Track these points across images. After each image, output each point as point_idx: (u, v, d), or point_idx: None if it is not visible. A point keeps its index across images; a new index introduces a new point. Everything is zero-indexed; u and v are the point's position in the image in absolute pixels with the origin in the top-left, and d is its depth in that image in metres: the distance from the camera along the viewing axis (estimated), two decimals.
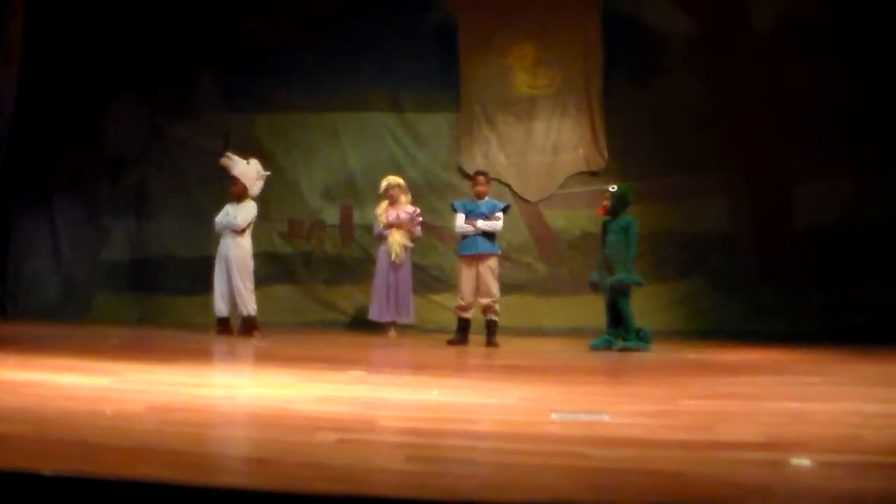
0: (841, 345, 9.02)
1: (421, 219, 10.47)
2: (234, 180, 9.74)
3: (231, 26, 12.31)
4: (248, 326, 9.58)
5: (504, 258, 10.25)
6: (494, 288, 9.17)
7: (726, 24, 11.52)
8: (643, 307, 9.69)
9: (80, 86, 12.27)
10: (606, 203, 8.96)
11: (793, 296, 10.92)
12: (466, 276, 9.21)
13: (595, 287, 8.95)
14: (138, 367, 5.61)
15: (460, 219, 9.30)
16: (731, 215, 11.46)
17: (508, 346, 8.90)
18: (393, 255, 10.20)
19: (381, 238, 10.38)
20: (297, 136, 12.15)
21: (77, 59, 12.18)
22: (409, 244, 10.36)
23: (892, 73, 10.91)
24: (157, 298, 12.16)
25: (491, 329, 9.13)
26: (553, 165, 11.75)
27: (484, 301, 9.16)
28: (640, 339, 8.63)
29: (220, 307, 9.67)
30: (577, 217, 11.49)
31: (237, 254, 9.62)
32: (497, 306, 9.18)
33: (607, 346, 8.58)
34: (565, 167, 11.74)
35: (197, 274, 11.56)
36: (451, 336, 9.23)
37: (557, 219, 11.67)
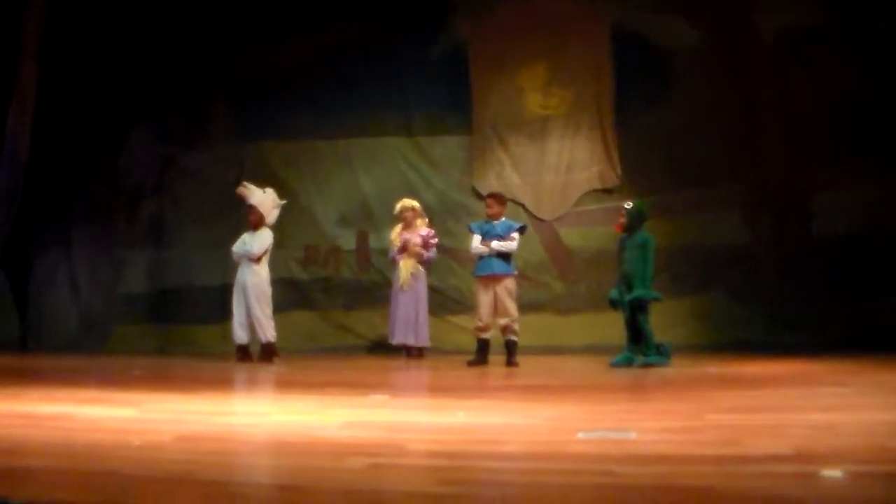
0: (864, 354, 8.95)
1: (436, 241, 10.48)
2: (251, 209, 9.81)
3: (242, 56, 12.37)
4: (268, 353, 9.61)
5: (521, 278, 10.23)
6: (512, 308, 9.15)
7: (733, 37, 11.55)
8: (663, 322, 9.66)
9: (94, 120, 12.38)
10: (623, 220, 8.95)
11: (813, 306, 10.89)
12: (483, 297, 9.20)
13: (615, 304, 8.93)
14: (162, 397, 5.62)
15: (476, 240, 9.30)
16: (748, 227, 11.45)
17: (529, 366, 8.87)
18: (400, 282, 10.25)
19: (394, 262, 10.44)
20: (311, 163, 12.22)
21: (91, 94, 12.29)
22: (419, 270, 10.35)
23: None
24: (177, 328, 12.22)
25: (511, 349, 9.11)
26: (567, 184, 11.77)
27: (502, 321, 9.14)
28: (661, 354, 8.61)
29: (240, 335, 9.71)
30: (592, 234, 11.50)
31: (254, 281, 9.66)
32: (516, 326, 9.16)
33: (628, 363, 8.55)
34: (579, 185, 11.76)
35: (215, 303, 11.64)
36: (470, 357, 9.22)
37: (573, 237, 11.69)
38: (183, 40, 12.36)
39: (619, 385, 6.98)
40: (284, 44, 12.31)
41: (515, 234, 9.26)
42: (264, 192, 9.91)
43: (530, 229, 11.15)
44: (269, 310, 9.75)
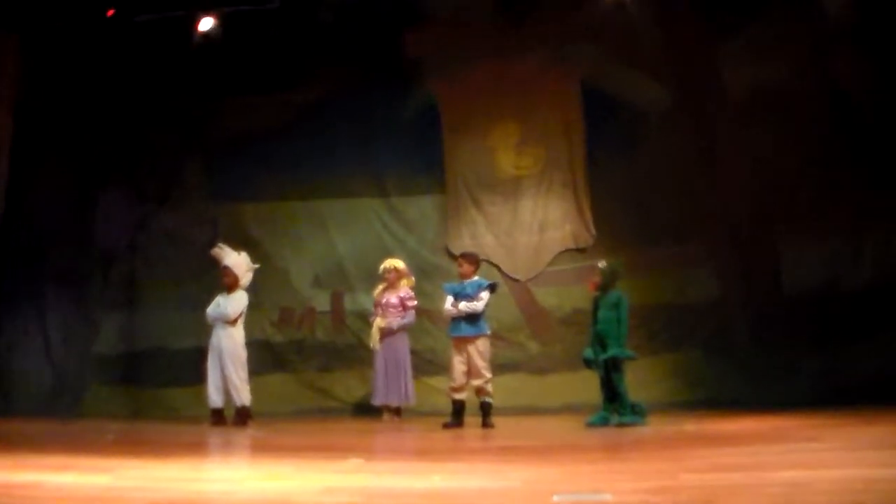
0: (836, 408, 9.00)
1: (414, 303, 10.47)
2: (225, 270, 9.81)
3: (216, 116, 12.41)
4: (243, 417, 9.55)
5: (496, 338, 10.25)
6: (485, 369, 9.13)
7: (701, 95, 11.69)
8: (638, 380, 9.67)
9: (67, 181, 12.33)
10: (597, 279, 9.01)
11: (786, 361, 10.91)
12: (456, 358, 9.18)
13: (589, 363, 8.95)
14: (135, 463, 5.57)
15: (448, 301, 9.34)
16: (720, 283, 11.50)
17: (505, 427, 8.85)
18: (371, 343, 10.25)
19: (370, 321, 10.45)
20: (285, 224, 12.19)
21: (66, 152, 12.27)
22: (393, 328, 10.31)
23: (865, 136, 11.10)
24: (150, 391, 12.05)
25: (485, 410, 9.09)
26: (541, 244, 11.80)
27: (475, 383, 9.11)
28: (636, 413, 8.63)
29: (214, 398, 9.65)
30: (567, 294, 11.51)
31: (229, 344, 9.63)
32: (489, 387, 9.13)
33: (604, 423, 8.57)
34: (553, 245, 11.79)
35: (189, 365, 11.51)
36: (446, 419, 9.17)
37: (548, 297, 11.69)
38: (157, 100, 12.37)
39: (594, 445, 6.98)
40: (258, 104, 12.33)
41: (484, 294, 9.26)
42: (239, 254, 9.91)
43: (504, 289, 11.21)
44: (244, 373, 9.71)
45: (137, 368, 12.17)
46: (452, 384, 9.20)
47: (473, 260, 9.64)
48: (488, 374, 9.14)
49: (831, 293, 10.95)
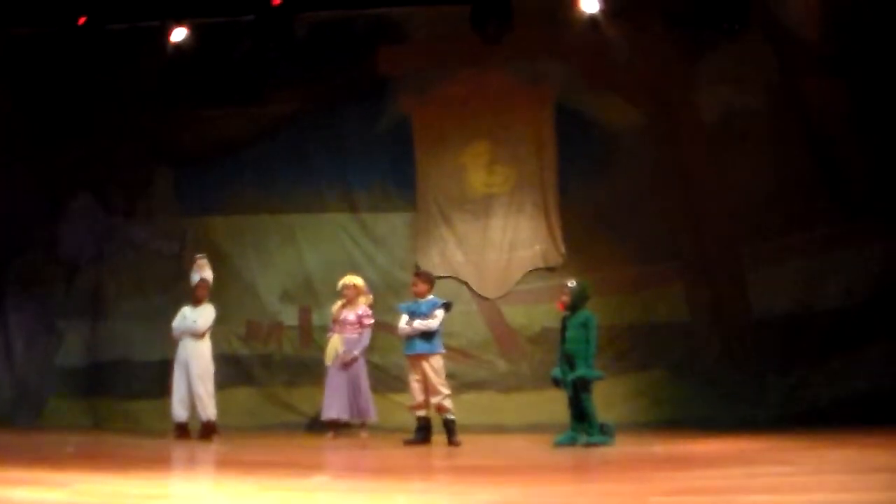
0: (805, 429, 9.05)
1: (371, 321, 10.37)
2: (202, 283, 9.75)
3: (185, 127, 12.31)
4: (208, 431, 9.45)
5: (464, 356, 10.24)
6: (441, 386, 9.16)
7: (674, 117, 11.73)
8: (606, 400, 9.65)
9: (33, 189, 12.21)
10: (565, 298, 9.00)
11: (754, 381, 11.00)
12: (412, 376, 9.29)
13: (557, 383, 8.94)
14: (94, 478, 5.47)
15: (402, 320, 9.43)
16: (688, 304, 11.51)
17: (472, 445, 8.80)
18: (327, 360, 10.16)
19: (327, 337, 10.35)
20: (254, 237, 12.08)
21: (30, 163, 12.16)
22: (349, 349, 10.20)
23: (835, 159, 11.24)
24: (113, 403, 11.90)
25: (449, 428, 9.10)
26: (510, 262, 11.76)
27: (434, 400, 9.17)
28: (604, 433, 8.61)
29: (179, 412, 9.55)
30: (536, 313, 11.46)
31: (197, 358, 9.56)
32: (447, 403, 9.16)
33: (572, 442, 8.55)
34: (523, 264, 11.75)
35: (153, 378, 11.41)
36: (410, 436, 9.13)
37: (517, 315, 11.64)
38: (127, 110, 12.27)
39: (561, 466, 6.94)
40: (229, 115, 12.22)
41: (438, 312, 9.31)
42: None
43: (473, 308, 11.27)
44: (211, 387, 9.64)
45: (101, 380, 12.02)
46: (412, 402, 9.26)
47: (428, 279, 9.72)
48: (445, 391, 9.17)
49: (800, 314, 11.03)
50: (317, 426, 10.97)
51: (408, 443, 9.04)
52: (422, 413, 9.21)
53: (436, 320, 9.25)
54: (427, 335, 9.21)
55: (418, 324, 9.21)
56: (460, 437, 9.01)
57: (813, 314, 11.04)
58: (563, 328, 9.01)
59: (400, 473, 6.24)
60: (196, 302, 9.82)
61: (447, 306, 9.47)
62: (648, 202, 11.53)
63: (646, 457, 7.42)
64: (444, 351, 9.46)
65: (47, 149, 12.22)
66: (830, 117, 11.36)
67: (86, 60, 11.80)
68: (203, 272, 9.83)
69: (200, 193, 12.19)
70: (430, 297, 9.47)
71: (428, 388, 9.14)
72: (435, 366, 9.19)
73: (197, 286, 9.84)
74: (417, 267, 11.45)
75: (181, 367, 9.62)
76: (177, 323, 9.76)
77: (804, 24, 11.42)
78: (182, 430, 9.52)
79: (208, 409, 9.51)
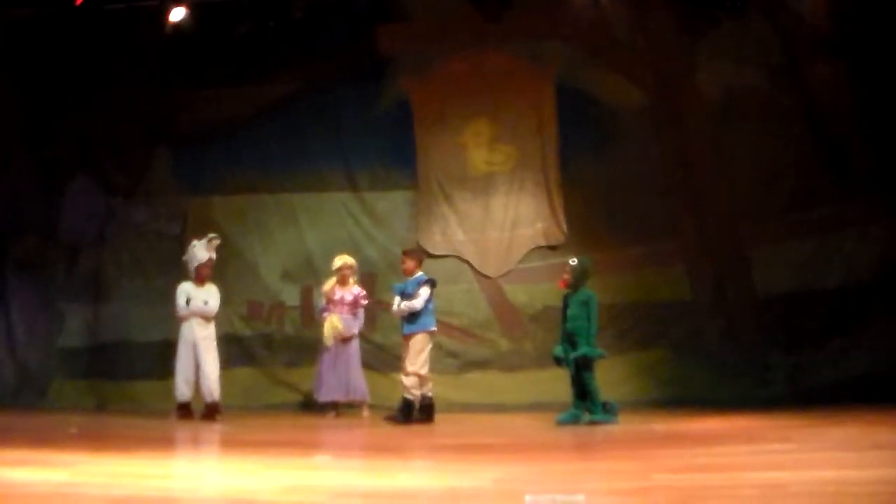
0: (807, 408, 9.06)
1: (366, 301, 10.38)
2: (210, 262, 9.75)
3: (185, 108, 12.27)
4: (212, 411, 9.44)
5: (466, 335, 10.24)
6: (412, 366, 9.13)
7: (676, 96, 11.68)
8: (607, 379, 9.63)
9: (33, 171, 12.18)
10: (567, 277, 8.99)
11: (756, 360, 11.00)
12: (404, 354, 9.32)
13: (559, 361, 8.93)
14: (97, 458, 5.46)
15: (395, 301, 9.51)
16: (690, 283, 11.50)
17: (475, 424, 8.82)
18: (324, 340, 10.12)
19: (322, 317, 10.30)
20: (255, 217, 12.05)
21: (31, 144, 12.12)
22: (349, 327, 10.19)
23: (836, 140, 11.20)
24: (115, 384, 11.91)
25: (403, 405, 9.11)
26: (512, 241, 11.73)
27: (402, 378, 9.19)
28: (607, 412, 8.62)
29: (184, 391, 9.55)
30: (538, 291, 11.45)
31: (206, 339, 9.54)
32: (409, 382, 9.12)
33: (574, 421, 8.55)
34: (524, 242, 11.73)
35: (155, 358, 11.43)
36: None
37: (518, 294, 11.63)
38: (126, 90, 12.23)
39: (565, 444, 6.94)
40: (228, 96, 12.19)
41: (422, 291, 9.31)
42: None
43: (475, 286, 11.28)
44: (217, 367, 9.62)
45: (102, 361, 12.03)
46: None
47: (416, 256, 9.77)
48: (417, 369, 9.11)
49: (802, 294, 11.00)
50: (318, 406, 10.99)
51: (389, 419, 9.12)
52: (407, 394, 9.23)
53: (419, 299, 9.25)
54: (413, 315, 9.25)
55: (404, 305, 9.26)
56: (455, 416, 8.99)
57: (815, 293, 11.02)
58: (565, 306, 9.00)
59: (402, 452, 6.25)
60: (201, 281, 9.78)
61: (431, 283, 9.45)
62: (650, 181, 11.50)
63: (648, 435, 7.43)
64: (430, 329, 9.42)
65: (46, 130, 12.19)
66: (831, 97, 11.31)
67: (83, 41, 11.78)
68: (213, 252, 9.80)
69: (200, 174, 12.16)
70: (419, 273, 9.47)
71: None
72: (418, 346, 9.20)
73: (204, 265, 9.80)
74: (419, 245, 11.44)
75: (188, 346, 9.59)
76: (181, 302, 9.72)
77: (805, 3, 11.37)
78: (186, 410, 9.52)
79: (214, 390, 9.49)
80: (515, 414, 10.31)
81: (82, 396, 11.80)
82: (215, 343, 9.70)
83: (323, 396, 10.11)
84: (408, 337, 9.26)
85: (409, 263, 9.53)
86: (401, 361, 9.39)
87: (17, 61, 11.93)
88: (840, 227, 11.10)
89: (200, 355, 9.50)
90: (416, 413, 9.10)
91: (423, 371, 9.20)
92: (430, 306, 9.40)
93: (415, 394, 9.12)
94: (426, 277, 9.47)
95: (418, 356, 9.19)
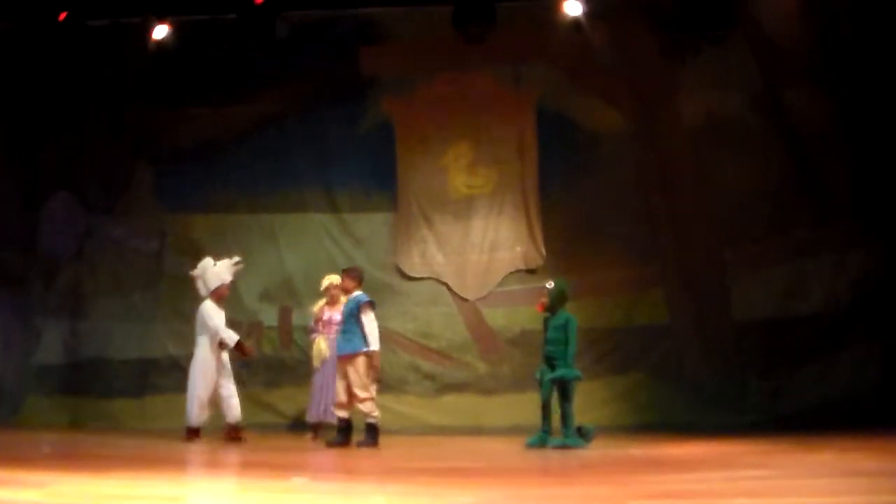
0: (784, 433, 9.09)
1: None
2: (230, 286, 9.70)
3: (166, 125, 12.25)
4: (237, 432, 9.32)
5: (444, 358, 10.20)
6: (360, 389, 8.73)
7: (657, 121, 11.77)
8: (586, 402, 9.67)
9: (12, 185, 12.15)
10: (544, 300, 8.99)
11: (734, 384, 11.10)
12: (338, 375, 8.96)
13: (541, 383, 8.92)
14: (70, 478, 5.41)
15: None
16: (669, 307, 11.55)
17: (451, 447, 8.79)
18: (314, 361, 10.07)
19: (311, 338, 10.25)
20: (235, 236, 11.99)
21: (12, 159, 12.09)
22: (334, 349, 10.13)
23: (815, 163, 11.37)
24: (91, 402, 11.84)
25: (367, 430, 8.80)
26: (491, 264, 11.75)
27: (357, 403, 8.81)
28: (581, 435, 8.60)
29: (199, 415, 9.31)
30: (516, 314, 11.46)
31: (227, 360, 9.46)
32: (366, 408, 8.79)
33: (542, 444, 8.56)
34: (503, 265, 11.75)
35: (132, 377, 11.37)
36: (382, 435, 8.97)
37: (497, 317, 11.63)
38: (107, 107, 12.22)
39: (541, 468, 6.93)
40: (210, 114, 12.18)
41: (368, 316, 8.93)
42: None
43: (454, 309, 11.40)
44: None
45: (79, 378, 11.97)
46: (336, 400, 9.00)
47: (355, 275, 9.31)
48: (364, 394, 8.77)
49: (781, 318, 11.10)
50: (297, 427, 10.95)
51: (330, 444, 8.82)
52: (342, 414, 8.91)
53: (373, 325, 8.88)
54: (348, 335, 8.91)
55: (370, 336, 8.85)
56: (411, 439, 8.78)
57: (793, 318, 11.14)
58: (545, 329, 9.01)
59: (380, 474, 6.23)
60: (219, 300, 9.65)
61: (372, 305, 9.07)
62: (630, 205, 11.58)
63: (625, 460, 7.42)
64: (368, 350, 8.85)
65: (26, 145, 12.19)
66: (810, 123, 11.45)
67: (66, 57, 11.75)
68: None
69: (180, 191, 12.13)
70: (357, 292, 9.09)
71: (350, 390, 8.80)
72: (358, 368, 8.80)
73: (227, 287, 9.67)
74: (398, 267, 11.39)
75: (208, 368, 9.40)
76: (221, 322, 9.56)
77: (786, 31, 11.49)
78: (196, 435, 9.35)
79: (237, 410, 9.38)
80: (493, 437, 10.30)
81: (57, 414, 11.73)
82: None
83: (309, 417, 10.08)
84: (343, 359, 8.88)
85: (348, 282, 9.18)
86: (336, 385, 8.99)
87: None
88: (818, 252, 11.24)
89: (223, 377, 9.38)
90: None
91: (374, 392, 8.95)
92: (370, 327, 8.94)
93: (376, 415, 8.92)
94: (367, 299, 9.09)
95: (366, 378, 8.79)
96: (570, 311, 9.02)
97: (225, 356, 9.46)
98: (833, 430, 9.19)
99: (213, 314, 9.50)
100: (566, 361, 8.70)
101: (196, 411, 9.34)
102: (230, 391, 9.39)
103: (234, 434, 9.34)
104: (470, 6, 11.15)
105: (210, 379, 9.36)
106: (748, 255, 11.38)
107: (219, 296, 9.67)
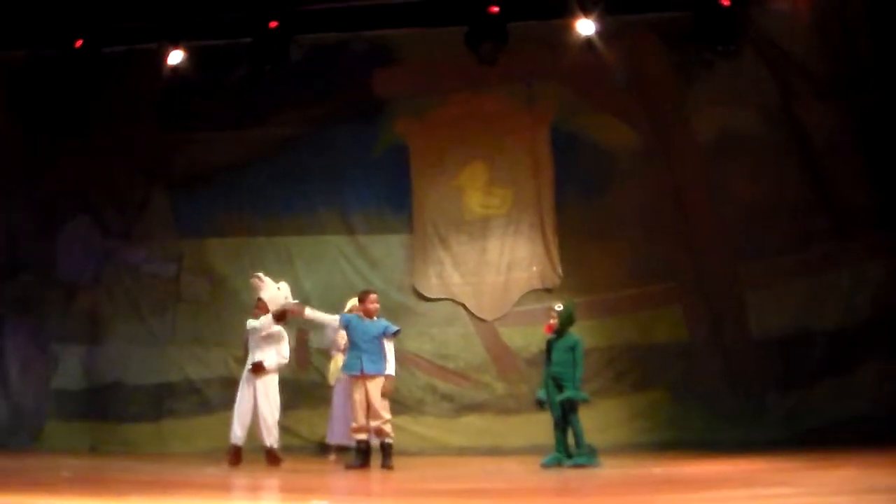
0: (805, 449, 9.01)
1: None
2: (260, 303, 9.61)
3: (182, 150, 12.32)
4: (276, 457, 9.31)
5: (462, 378, 10.14)
6: (385, 410, 8.70)
7: (671, 138, 11.77)
8: (604, 421, 9.67)
9: (30, 211, 12.22)
10: (553, 321, 8.95)
11: (753, 401, 11.05)
12: (357, 396, 8.80)
13: (542, 404, 8.88)
14: (89, 502, 5.40)
15: (341, 334, 9.48)
16: (687, 324, 11.50)
17: (468, 468, 8.74)
18: (330, 379, 10.06)
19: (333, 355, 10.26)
20: (251, 259, 11.98)
21: (29, 184, 12.17)
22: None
23: (832, 178, 11.35)
24: (109, 427, 11.85)
25: (385, 451, 8.71)
26: (507, 284, 11.74)
27: (373, 423, 8.73)
28: (591, 454, 8.56)
29: (239, 435, 9.33)
30: (533, 334, 11.36)
31: (271, 382, 9.45)
32: (387, 428, 8.74)
33: (557, 463, 8.53)
34: (520, 285, 11.74)
35: (149, 401, 11.37)
36: (380, 459, 8.80)
37: (514, 337, 11.60)
38: (124, 132, 12.30)
39: (560, 488, 6.88)
40: (226, 138, 12.26)
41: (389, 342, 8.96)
42: (278, 287, 9.70)
43: (471, 329, 11.39)
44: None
45: (97, 403, 11.98)
46: (353, 424, 8.87)
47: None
48: (389, 416, 8.77)
49: (799, 334, 11.06)
50: (312, 450, 10.93)
51: (349, 467, 8.71)
52: (361, 436, 8.81)
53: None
54: (374, 356, 8.76)
55: (389, 352, 8.88)
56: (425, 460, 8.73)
57: (811, 334, 11.11)
58: (548, 350, 8.95)
59: (399, 497, 6.20)
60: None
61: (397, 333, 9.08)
62: (645, 223, 11.56)
63: (645, 478, 7.36)
64: (389, 373, 8.83)
65: (44, 171, 12.26)
66: (826, 137, 11.43)
67: (82, 83, 11.83)
68: (261, 292, 9.63)
69: (197, 216, 12.18)
70: (384, 320, 9.01)
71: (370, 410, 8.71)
72: (379, 389, 8.72)
73: (257, 305, 9.66)
74: (415, 289, 11.39)
75: (250, 389, 9.40)
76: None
77: (799, 45, 11.50)
78: (238, 455, 9.34)
79: (275, 434, 9.38)
80: (511, 457, 10.26)
81: (76, 438, 11.74)
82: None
83: (331, 438, 10.06)
84: (371, 378, 8.75)
85: (376, 304, 9.06)
86: (355, 403, 8.80)
87: (16, 102, 12.01)
88: (836, 268, 11.20)
89: (269, 400, 9.36)
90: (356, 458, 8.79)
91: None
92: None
93: (393, 436, 8.86)
94: (397, 328, 9.07)
95: (384, 400, 8.76)
96: (588, 330, 9.03)
97: (273, 379, 9.42)
98: (854, 446, 9.11)
99: (285, 338, 9.66)
100: (573, 382, 8.67)
101: (234, 430, 9.33)
102: (270, 411, 9.38)
103: (274, 458, 9.35)
104: (483, 27, 11.17)
105: (248, 400, 9.37)
106: (765, 271, 11.34)
107: (255, 316, 9.64)
